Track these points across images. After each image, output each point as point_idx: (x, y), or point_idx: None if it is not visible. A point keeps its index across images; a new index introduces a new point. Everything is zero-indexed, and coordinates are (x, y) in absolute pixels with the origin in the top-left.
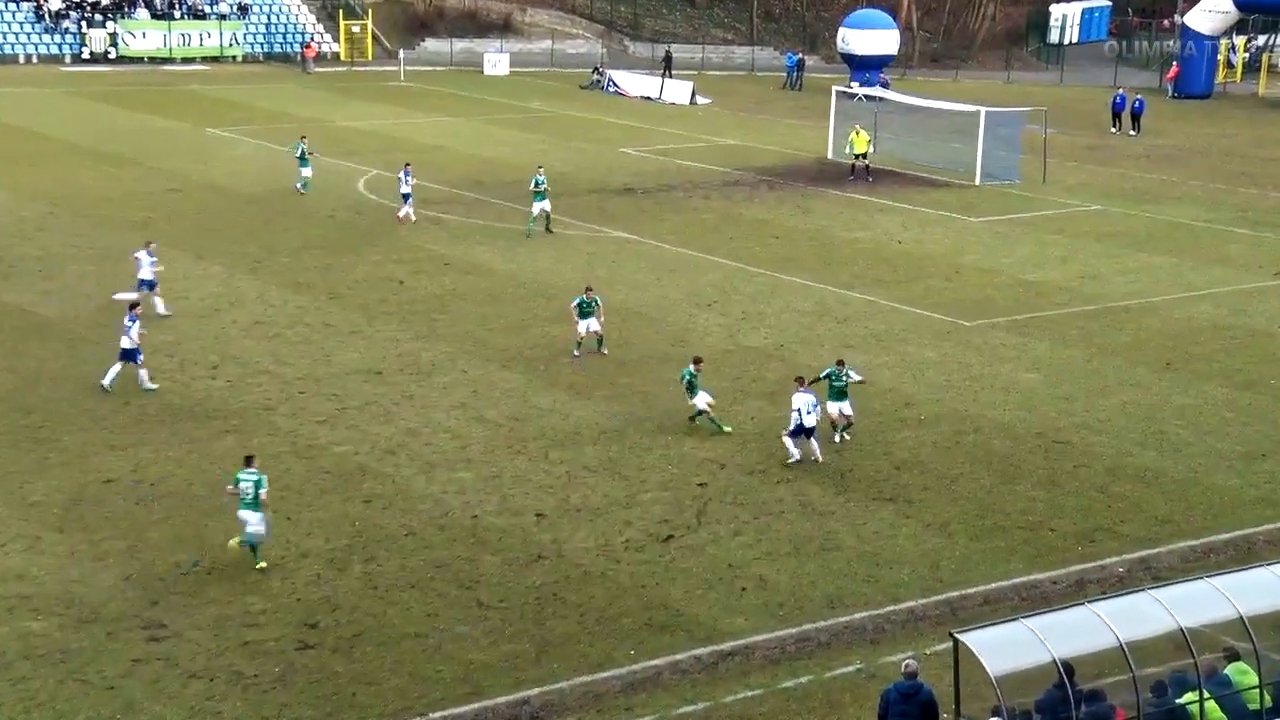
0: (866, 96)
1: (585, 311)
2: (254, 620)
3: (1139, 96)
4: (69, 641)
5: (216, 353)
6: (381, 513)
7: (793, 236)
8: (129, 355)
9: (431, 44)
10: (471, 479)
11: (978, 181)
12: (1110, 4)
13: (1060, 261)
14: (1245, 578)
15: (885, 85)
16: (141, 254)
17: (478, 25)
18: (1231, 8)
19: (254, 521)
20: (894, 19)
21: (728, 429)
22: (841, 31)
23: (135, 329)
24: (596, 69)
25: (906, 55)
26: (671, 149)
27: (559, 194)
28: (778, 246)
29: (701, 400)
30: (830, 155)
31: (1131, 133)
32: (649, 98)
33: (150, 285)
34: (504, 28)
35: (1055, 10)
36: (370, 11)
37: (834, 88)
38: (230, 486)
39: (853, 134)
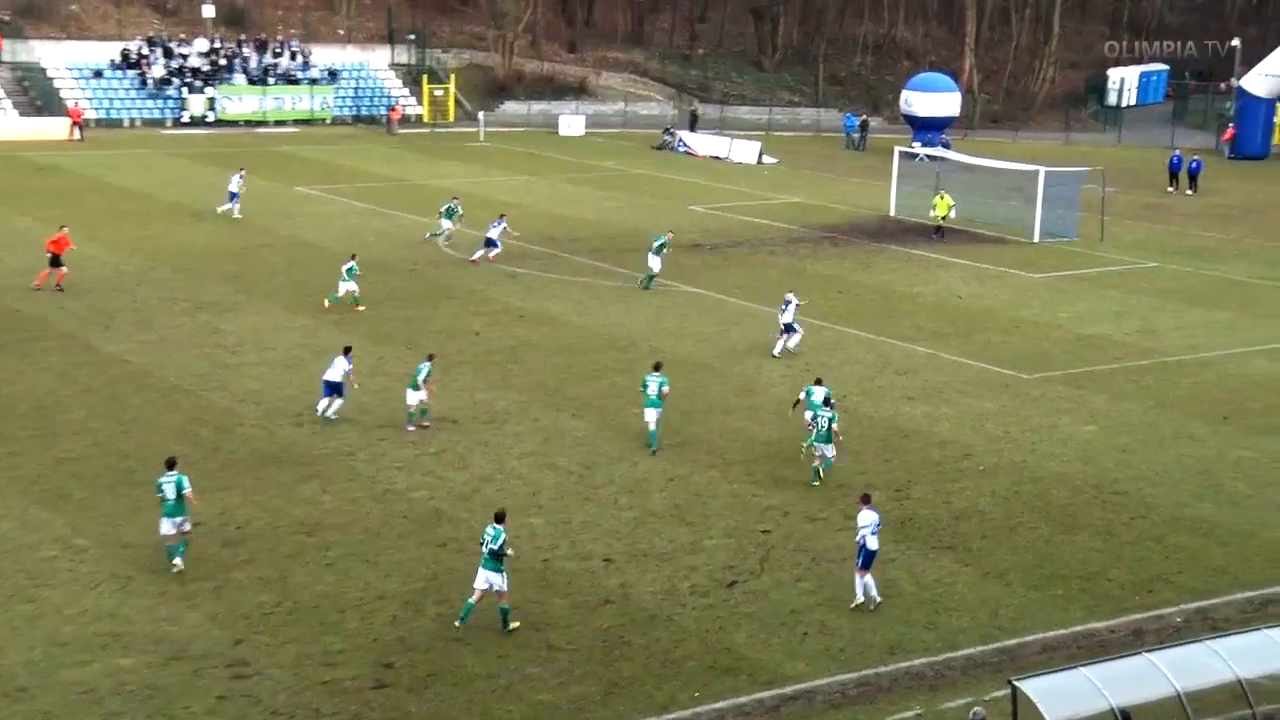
0: (928, 156)
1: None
2: (332, 660)
3: (1196, 157)
4: (158, 678)
5: (302, 401)
6: (456, 556)
7: (855, 291)
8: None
9: (510, 106)
10: (542, 524)
11: (1036, 239)
12: (1168, 69)
13: (1117, 317)
14: None
15: (946, 145)
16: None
17: (554, 88)
18: None
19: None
20: (956, 82)
21: (816, 484)
22: (905, 94)
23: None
24: (667, 129)
25: (967, 116)
26: (738, 206)
27: (631, 249)
28: (841, 301)
29: (830, 450)
30: (893, 213)
31: (1189, 192)
32: (718, 157)
33: (790, 329)
34: (580, 90)
35: (1113, 74)
36: (453, 76)
37: (896, 148)
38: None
39: (936, 198)
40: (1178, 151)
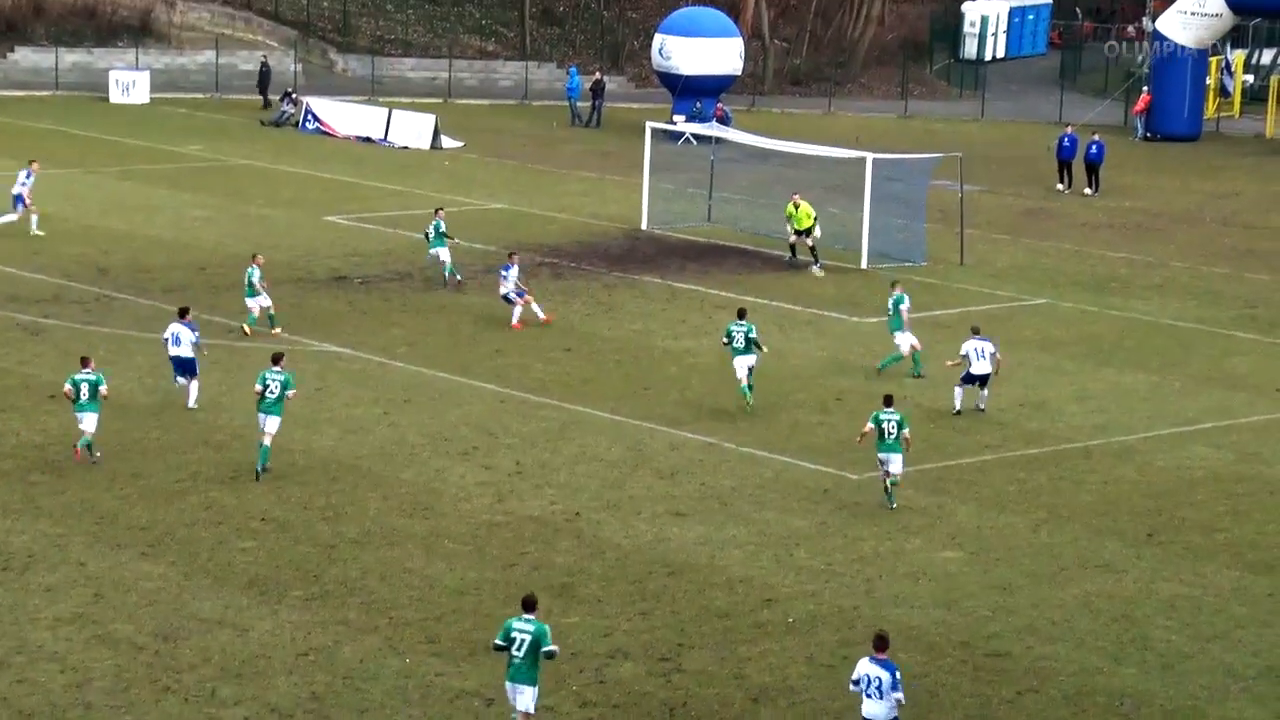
0: (697, 137)
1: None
2: None
3: (1096, 138)
4: None
5: None
6: None
7: (591, 347)
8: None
9: (25, 55)
10: None
11: (864, 264)
12: (1050, 3)
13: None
14: None
15: (725, 120)
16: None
17: (99, 28)
18: (1224, 9)
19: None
20: (736, 23)
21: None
22: (659, 40)
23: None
24: (287, 95)
25: (756, 76)
26: (404, 217)
27: (231, 286)
28: (569, 363)
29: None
30: (645, 225)
31: (1087, 190)
32: (369, 139)
33: (979, 381)
34: (141, 32)
35: (970, 10)
36: None
37: (648, 123)
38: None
39: (790, 206)
40: (1070, 130)
